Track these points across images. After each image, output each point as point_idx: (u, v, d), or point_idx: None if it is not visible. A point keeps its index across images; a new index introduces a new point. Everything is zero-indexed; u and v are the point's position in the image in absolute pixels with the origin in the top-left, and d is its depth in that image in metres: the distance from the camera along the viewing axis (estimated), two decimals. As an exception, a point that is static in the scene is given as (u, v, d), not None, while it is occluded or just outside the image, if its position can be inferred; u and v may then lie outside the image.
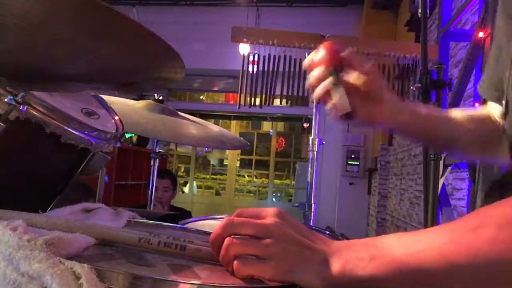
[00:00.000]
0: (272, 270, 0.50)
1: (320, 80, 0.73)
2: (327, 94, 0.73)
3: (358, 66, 0.74)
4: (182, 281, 0.46)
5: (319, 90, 0.73)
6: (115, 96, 1.31)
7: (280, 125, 9.05)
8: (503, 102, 0.76)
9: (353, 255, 0.51)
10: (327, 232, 1.14)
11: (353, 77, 0.73)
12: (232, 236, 0.53)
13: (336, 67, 0.71)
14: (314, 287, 0.50)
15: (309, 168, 2.19)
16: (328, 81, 0.72)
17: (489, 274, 0.47)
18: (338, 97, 0.70)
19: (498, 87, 0.80)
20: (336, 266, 0.50)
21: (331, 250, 0.52)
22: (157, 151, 1.77)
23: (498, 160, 0.85)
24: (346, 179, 6.81)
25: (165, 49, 0.65)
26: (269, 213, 0.54)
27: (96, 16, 0.57)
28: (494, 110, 0.86)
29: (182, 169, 9.29)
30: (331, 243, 0.54)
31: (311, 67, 0.75)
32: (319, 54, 0.73)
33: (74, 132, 0.78)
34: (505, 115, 0.75)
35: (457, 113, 0.88)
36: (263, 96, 2.67)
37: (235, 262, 0.51)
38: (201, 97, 8.98)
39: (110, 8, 0.54)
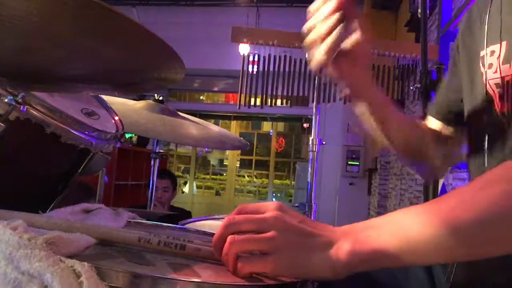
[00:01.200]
0: (276, 264, 0.50)
1: (330, 32, 0.73)
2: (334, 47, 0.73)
3: (356, 19, 0.75)
4: (181, 279, 0.46)
5: (329, 41, 0.72)
6: (115, 96, 1.31)
7: (280, 125, 9.04)
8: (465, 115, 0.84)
9: (362, 235, 0.51)
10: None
11: (352, 39, 0.75)
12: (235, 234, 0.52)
13: (345, 14, 0.72)
14: (323, 275, 0.50)
15: (309, 168, 2.19)
16: (338, 31, 0.72)
17: (499, 229, 0.47)
18: (337, 31, 0.71)
19: (448, 109, 0.94)
20: (345, 247, 0.50)
21: (336, 235, 0.52)
22: (157, 151, 1.77)
23: (423, 170, 1.02)
24: (346, 179, 6.81)
25: (165, 49, 0.65)
26: (269, 207, 0.54)
27: (96, 16, 0.57)
28: (432, 124, 0.98)
29: (182, 169, 9.29)
30: (334, 229, 0.53)
31: (317, 16, 0.74)
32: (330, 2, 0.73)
33: (74, 132, 0.78)
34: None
35: (406, 116, 1.01)
36: (263, 96, 2.67)
37: (238, 260, 0.51)
38: (201, 97, 8.98)
39: (110, 8, 0.54)
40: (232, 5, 6.91)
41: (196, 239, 0.63)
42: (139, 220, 0.78)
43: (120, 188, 4.45)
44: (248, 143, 1.81)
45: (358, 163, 6.77)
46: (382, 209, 6.14)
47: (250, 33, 2.60)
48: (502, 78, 0.74)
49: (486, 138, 0.79)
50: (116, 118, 0.99)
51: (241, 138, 1.89)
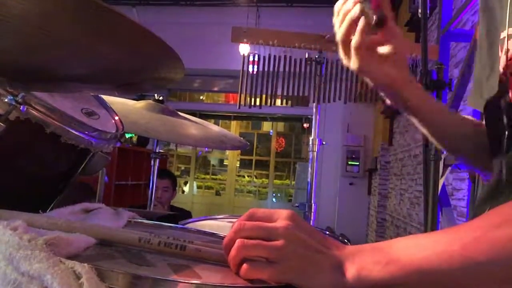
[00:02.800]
0: (281, 274, 0.49)
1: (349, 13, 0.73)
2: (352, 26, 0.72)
3: (389, 24, 0.72)
4: (182, 280, 0.46)
5: (357, 38, 0.72)
6: (115, 96, 1.31)
7: (280, 125, 9.04)
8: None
9: (369, 260, 0.50)
10: (327, 232, 1.14)
11: (384, 48, 0.73)
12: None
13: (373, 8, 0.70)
14: None
15: (309, 168, 2.19)
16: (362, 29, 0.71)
17: None
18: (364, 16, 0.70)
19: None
20: (351, 271, 0.49)
21: (344, 256, 0.51)
22: (157, 151, 1.77)
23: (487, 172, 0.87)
24: (346, 179, 6.81)
25: (165, 49, 0.65)
26: (281, 216, 0.53)
27: (96, 16, 0.57)
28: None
29: (182, 169, 9.29)
30: (343, 248, 0.53)
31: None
32: None
33: (74, 132, 0.78)
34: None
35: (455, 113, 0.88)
36: (263, 96, 2.67)
37: (244, 264, 0.50)
38: (201, 97, 8.98)
39: (110, 8, 0.54)
40: (232, 5, 6.91)
41: (197, 239, 0.62)
42: (139, 220, 0.77)
43: (120, 188, 4.45)
44: (248, 143, 1.81)
45: (358, 163, 6.78)
46: (382, 209, 6.14)
47: (250, 33, 2.59)
48: None
49: (500, 132, 0.72)
50: (116, 118, 0.99)
51: (241, 138, 1.89)
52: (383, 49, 0.73)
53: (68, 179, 0.87)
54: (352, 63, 0.78)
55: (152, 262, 0.54)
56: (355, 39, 0.75)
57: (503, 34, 0.72)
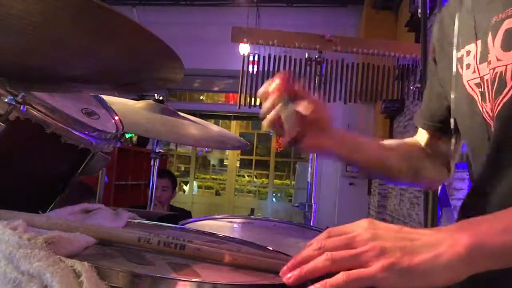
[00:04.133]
0: (385, 272, 0.45)
1: (273, 107, 0.76)
2: (278, 119, 0.76)
3: (307, 96, 0.78)
4: (181, 279, 0.46)
5: (270, 114, 0.76)
6: (115, 96, 1.32)
7: (280, 125, 9.02)
8: (451, 120, 0.83)
9: (481, 227, 0.48)
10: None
11: (302, 106, 0.76)
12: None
13: (289, 94, 0.76)
14: (439, 279, 0.46)
15: (309, 168, 2.19)
16: (280, 105, 0.75)
17: None
18: (287, 118, 0.75)
19: (432, 119, 0.92)
20: (462, 241, 0.46)
21: (442, 233, 0.48)
22: (157, 151, 1.77)
23: (424, 184, 1.00)
24: (346, 179, 6.80)
25: (165, 49, 0.65)
26: (359, 225, 0.51)
27: (96, 16, 0.57)
28: (420, 137, 0.97)
29: (182, 169, 9.29)
30: (435, 229, 0.50)
31: (265, 96, 0.78)
32: (273, 83, 0.76)
33: (75, 132, 0.78)
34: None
35: (389, 141, 0.99)
36: (263, 96, 2.67)
37: (342, 273, 0.46)
38: (201, 97, 8.97)
39: (110, 8, 0.54)
40: (232, 5, 6.91)
41: (196, 239, 0.63)
42: (139, 220, 0.78)
43: (120, 188, 4.45)
44: (248, 143, 1.81)
45: (358, 163, 6.76)
46: (382, 209, 6.14)
47: (250, 33, 2.60)
48: (481, 77, 0.72)
49: (473, 140, 0.78)
50: (116, 118, 0.99)
51: (241, 138, 1.89)
52: (305, 108, 0.77)
53: (68, 179, 0.87)
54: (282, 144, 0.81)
55: (151, 261, 0.54)
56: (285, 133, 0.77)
57: (460, 53, 0.78)
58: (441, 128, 0.91)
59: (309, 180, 2.20)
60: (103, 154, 0.89)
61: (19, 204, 0.62)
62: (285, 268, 0.49)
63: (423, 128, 0.96)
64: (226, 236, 0.74)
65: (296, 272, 0.48)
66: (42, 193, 0.85)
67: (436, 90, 0.91)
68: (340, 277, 0.46)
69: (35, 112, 0.72)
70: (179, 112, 1.55)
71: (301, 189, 7.70)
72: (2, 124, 0.68)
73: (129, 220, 0.76)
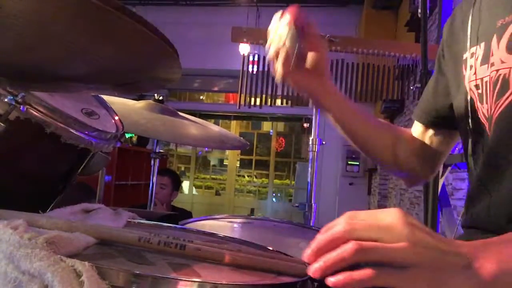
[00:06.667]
0: (411, 282, 0.43)
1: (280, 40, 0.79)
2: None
3: (314, 35, 0.82)
4: (181, 278, 0.46)
5: (276, 43, 0.79)
6: (115, 96, 1.32)
7: (280, 125, 9.04)
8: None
9: (507, 252, 0.46)
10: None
11: (305, 43, 0.80)
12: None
13: (297, 26, 0.79)
14: None
15: (309, 168, 2.19)
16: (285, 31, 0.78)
17: None
18: (289, 38, 0.78)
19: (431, 113, 0.92)
20: (489, 267, 0.45)
21: (472, 252, 0.46)
22: (157, 151, 1.77)
23: (404, 177, 1.01)
24: (346, 179, 6.81)
25: (162, 47, 0.65)
26: (390, 215, 0.46)
27: (96, 16, 0.57)
28: (415, 130, 0.97)
29: (182, 169, 9.29)
30: (465, 244, 0.47)
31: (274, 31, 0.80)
32: (283, 18, 0.79)
33: (74, 132, 0.78)
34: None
35: (382, 122, 1.01)
36: (263, 96, 2.67)
37: (371, 270, 0.43)
38: (201, 97, 8.98)
39: (109, 8, 0.54)
40: (232, 5, 6.91)
41: (196, 239, 0.63)
42: (139, 220, 0.78)
43: (120, 188, 4.45)
44: (248, 143, 1.81)
45: (358, 163, 6.77)
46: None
47: (250, 33, 2.59)
48: (481, 79, 0.73)
49: (470, 141, 0.78)
50: (116, 118, 0.99)
51: (241, 138, 1.89)
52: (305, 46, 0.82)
53: (68, 179, 0.87)
54: (277, 74, 0.83)
55: (152, 261, 0.54)
56: (282, 57, 0.81)
57: (465, 55, 0.79)
58: (438, 124, 0.92)
59: (309, 180, 2.20)
60: (103, 154, 0.89)
61: (19, 204, 0.62)
62: (309, 253, 0.47)
63: (419, 121, 0.96)
64: (226, 236, 0.74)
65: (321, 265, 0.45)
66: (42, 193, 0.85)
67: (441, 86, 0.91)
68: (369, 273, 0.43)
69: (35, 112, 0.72)
70: (179, 112, 1.55)
71: (301, 189, 7.70)
72: (2, 124, 0.68)
73: (129, 220, 0.76)
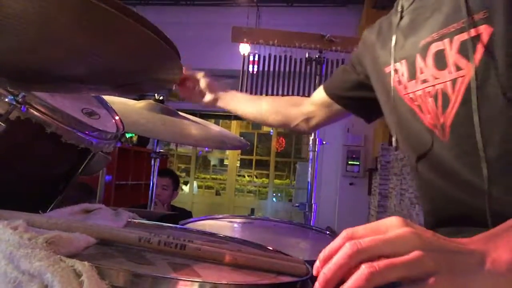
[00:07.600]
0: None
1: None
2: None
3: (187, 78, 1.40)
4: (181, 278, 0.46)
5: None
6: (115, 96, 1.32)
7: (281, 125, 9.02)
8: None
9: None
10: (327, 232, 1.14)
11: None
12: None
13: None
14: None
15: (309, 168, 2.19)
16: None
17: None
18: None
19: (341, 92, 1.13)
20: (504, 257, 0.43)
21: (481, 247, 0.45)
22: (157, 151, 1.77)
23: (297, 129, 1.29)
24: (346, 179, 6.81)
25: (163, 48, 0.65)
26: (392, 224, 0.44)
27: (96, 16, 0.57)
28: (317, 95, 1.23)
29: (182, 169, 9.29)
30: (468, 242, 0.46)
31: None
32: None
33: (75, 132, 0.78)
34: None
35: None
36: (263, 96, 2.67)
37: None
38: (201, 97, 8.97)
39: (110, 9, 0.54)
40: (232, 5, 6.91)
41: (197, 239, 0.63)
42: (139, 220, 0.78)
43: (120, 188, 4.45)
44: (248, 143, 1.81)
45: (358, 163, 6.77)
46: (382, 209, 6.14)
47: (250, 33, 2.59)
48: (413, 93, 0.80)
49: (415, 144, 0.82)
50: (117, 117, 0.99)
51: (241, 138, 1.89)
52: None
53: (68, 179, 0.87)
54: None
55: (152, 261, 0.54)
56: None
57: (388, 70, 0.87)
58: (349, 105, 1.12)
59: (309, 180, 2.20)
60: (103, 154, 0.89)
61: (19, 204, 0.62)
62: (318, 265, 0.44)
63: (328, 95, 1.16)
64: (226, 236, 0.74)
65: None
66: (42, 193, 0.85)
67: (353, 78, 1.06)
68: None
69: (35, 112, 0.72)
70: (179, 112, 1.55)
71: (301, 189, 7.71)
72: (2, 124, 0.68)
73: (130, 220, 0.76)
